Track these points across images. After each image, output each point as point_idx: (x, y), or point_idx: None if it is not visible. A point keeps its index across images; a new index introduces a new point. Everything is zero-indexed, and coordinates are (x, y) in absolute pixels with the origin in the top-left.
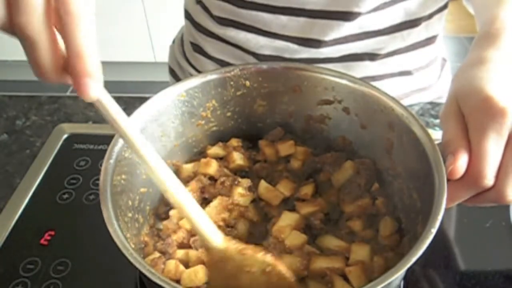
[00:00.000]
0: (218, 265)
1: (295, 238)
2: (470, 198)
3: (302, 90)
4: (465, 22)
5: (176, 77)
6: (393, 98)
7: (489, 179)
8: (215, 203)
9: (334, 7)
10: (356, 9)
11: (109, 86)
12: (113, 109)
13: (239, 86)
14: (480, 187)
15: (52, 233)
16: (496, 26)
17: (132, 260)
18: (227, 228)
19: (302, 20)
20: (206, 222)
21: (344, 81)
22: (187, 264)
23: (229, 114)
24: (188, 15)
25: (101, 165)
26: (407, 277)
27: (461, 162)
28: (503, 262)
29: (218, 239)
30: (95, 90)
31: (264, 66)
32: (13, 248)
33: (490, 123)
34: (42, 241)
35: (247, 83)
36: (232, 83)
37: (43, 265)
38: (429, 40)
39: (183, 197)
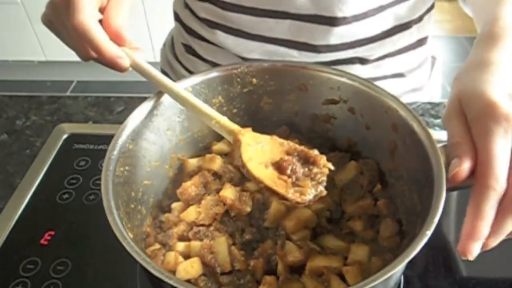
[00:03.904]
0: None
1: (299, 233)
2: (492, 231)
3: (308, 89)
4: (464, 22)
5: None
6: (397, 100)
7: (502, 180)
8: (207, 199)
9: (317, 11)
10: (340, 14)
11: (109, 86)
12: (148, 68)
13: (246, 83)
14: (495, 190)
15: (52, 233)
16: (498, 25)
17: (128, 248)
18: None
19: (288, 22)
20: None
21: (349, 81)
22: (187, 257)
23: (235, 110)
24: (177, 18)
25: (101, 165)
26: (407, 281)
27: (465, 166)
28: (505, 266)
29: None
30: (126, 64)
31: (271, 64)
32: (13, 248)
33: (495, 128)
34: (42, 241)
35: (254, 80)
36: (238, 80)
37: (43, 265)
38: (421, 42)
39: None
